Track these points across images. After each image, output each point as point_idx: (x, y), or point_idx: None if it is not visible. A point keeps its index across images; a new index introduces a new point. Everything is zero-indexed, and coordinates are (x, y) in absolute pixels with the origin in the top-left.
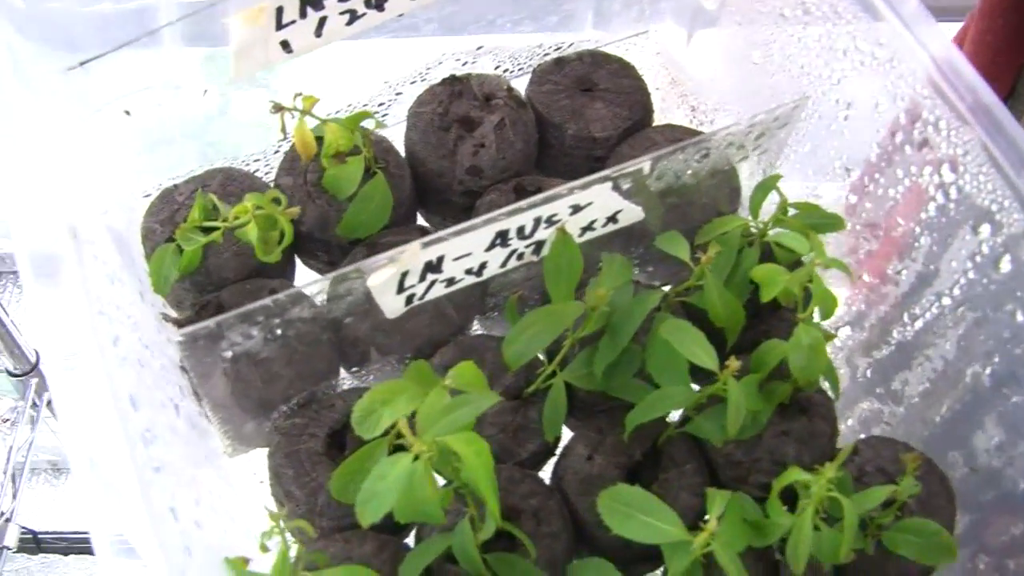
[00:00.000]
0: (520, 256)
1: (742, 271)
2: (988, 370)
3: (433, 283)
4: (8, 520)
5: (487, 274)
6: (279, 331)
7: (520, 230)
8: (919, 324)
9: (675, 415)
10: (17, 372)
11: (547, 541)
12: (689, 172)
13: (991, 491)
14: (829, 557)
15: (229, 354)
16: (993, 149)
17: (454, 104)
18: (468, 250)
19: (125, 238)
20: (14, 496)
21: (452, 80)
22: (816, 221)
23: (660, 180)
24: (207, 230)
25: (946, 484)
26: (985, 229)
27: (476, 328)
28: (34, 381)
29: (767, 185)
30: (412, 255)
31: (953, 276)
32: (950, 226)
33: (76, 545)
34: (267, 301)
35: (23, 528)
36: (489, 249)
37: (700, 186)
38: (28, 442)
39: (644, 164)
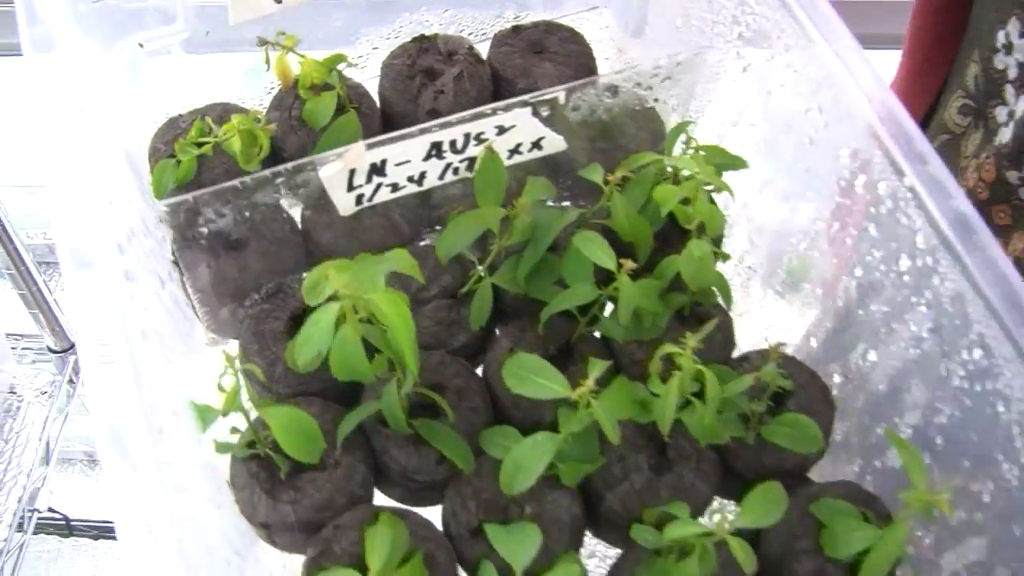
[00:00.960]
0: (456, 171)
1: (655, 203)
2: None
3: (379, 186)
4: (39, 488)
5: (427, 184)
6: (247, 213)
7: (452, 144)
8: None
9: None
10: (57, 349)
11: (467, 414)
12: (603, 109)
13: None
14: (702, 435)
15: (205, 231)
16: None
17: (421, 58)
18: (407, 157)
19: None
20: (47, 462)
21: (421, 39)
22: (721, 160)
23: (576, 112)
24: (201, 145)
25: (827, 393)
26: None
27: (425, 241)
28: (72, 358)
29: (679, 128)
30: (357, 153)
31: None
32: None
33: (106, 533)
34: (235, 182)
35: (57, 513)
36: (426, 159)
37: (621, 128)
38: (64, 414)
39: (559, 93)
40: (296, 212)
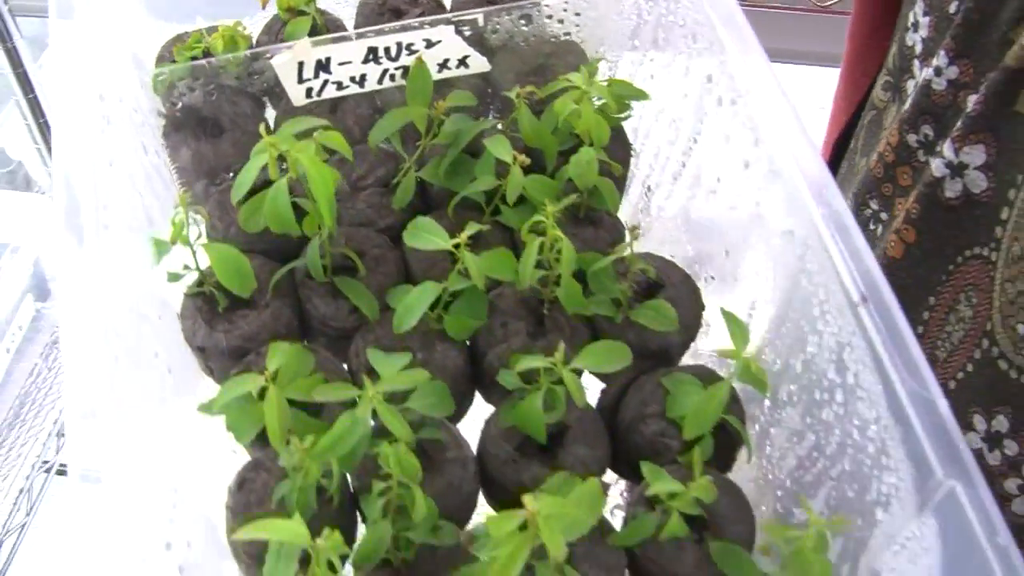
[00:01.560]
0: (392, 77)
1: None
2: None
3: (326, 83)
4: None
5: (368, 87)
6: (214, 95)
7: (387, 51)
8: None
9: None
10: None
11: (380, 277)
12: (521, 36)
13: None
14: (568, 303)
15: (179, 104)
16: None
17: (390, 1)
18: (348, 58)
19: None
20: None
21: None
22: (624, 91)
23: (495, 35)
24: (196, 50)
25: (696, 291)
26: None
27: None
28: None
29: (594, 60)
30: (303, 47)
31: None
32: None
33: None
34: (203, 61)
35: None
36: (365, 62)
37: (544, 57)
38: None
39: (478, 15)
40: (271, 114)
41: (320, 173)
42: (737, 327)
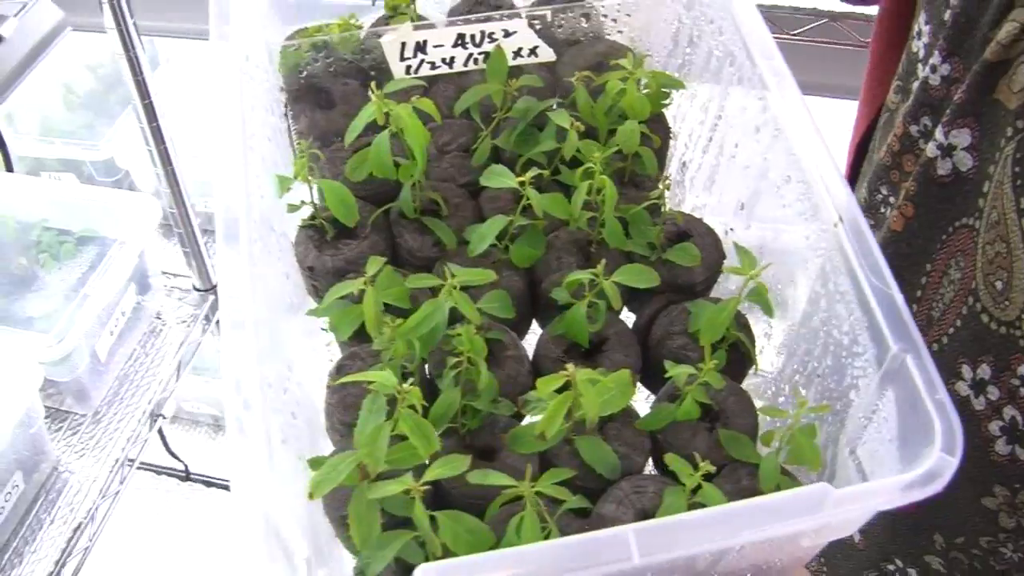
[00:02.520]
0: (476, 61)
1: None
2: None
3: (422, 62)
4: (167, 397)
5: (456, 68)
6: (332, 66)
7: (472, 38)
8: None
9: None
10: (200, 288)
11: (459, 219)
12: (581, 32)
13: None
14: (611, 239)
15: (304, 73)
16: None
17: (475, 8)
18: (441, 41)
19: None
20: (177, 377)
21: None
22: (663, 79)
23: (560, 29)
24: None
25: (717, 240)
26: None
27: None
28: (211, 298)
29: (641, 54)
30: (407, 28)
31: None
32: None
33: (219, 482)
34: (323, 37)
35: (179, 460)
36: (454, 46)
37: (600, 56)
38: (196, 343)
39: (547, 11)
40: None
41: (415, 124)
42: (746, 256)
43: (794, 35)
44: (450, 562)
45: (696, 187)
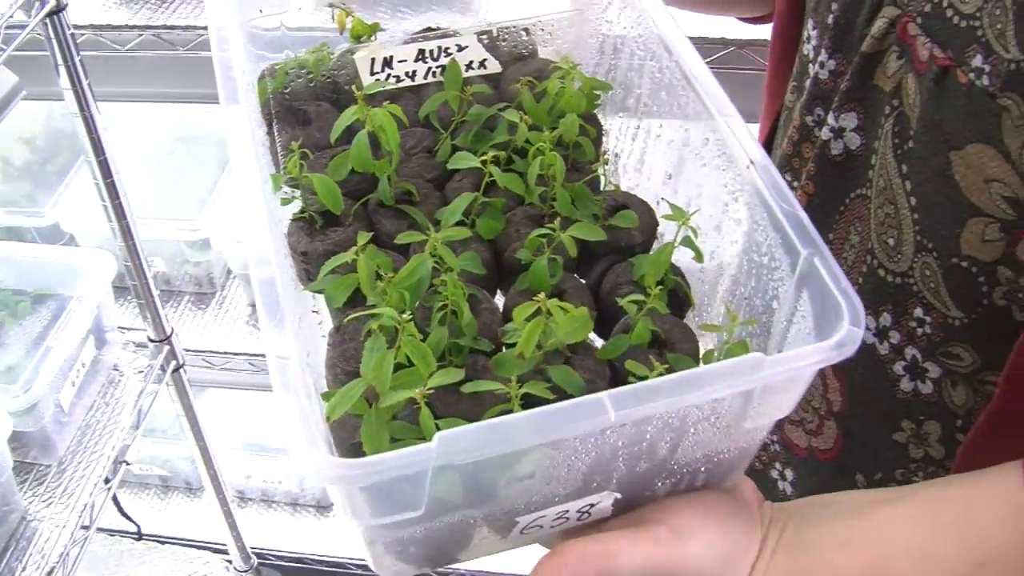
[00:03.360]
0: (435, 73)
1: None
2: None
3: (389, 75)
4: (129, 444)
5: (417, 80)
6: (312, 84)
7: (431, 52)
8: None
9: None
10: (155, 339)
11: (429, 207)
12: (522, 45)
13: None
14: (562, 209)
15: (288, 91)
16: None
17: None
18: (405, 57)
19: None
20: (136, 426)
21: (427, 29)
22: (594, 83)
23: (504, 43)
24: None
25: (651, 211)
26: None
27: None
28: (166, 348)
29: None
30: (377, 46)
31: None
32: None
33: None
34: (302, 55)
35: (132, 521)
36: (416, 61)
37: (539, 68)
38: (154, 392)
39: (492, 28)
40: None
41: (390, 123)
42: (677, 210)
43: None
44: (466, 427)
45: (628, 172)
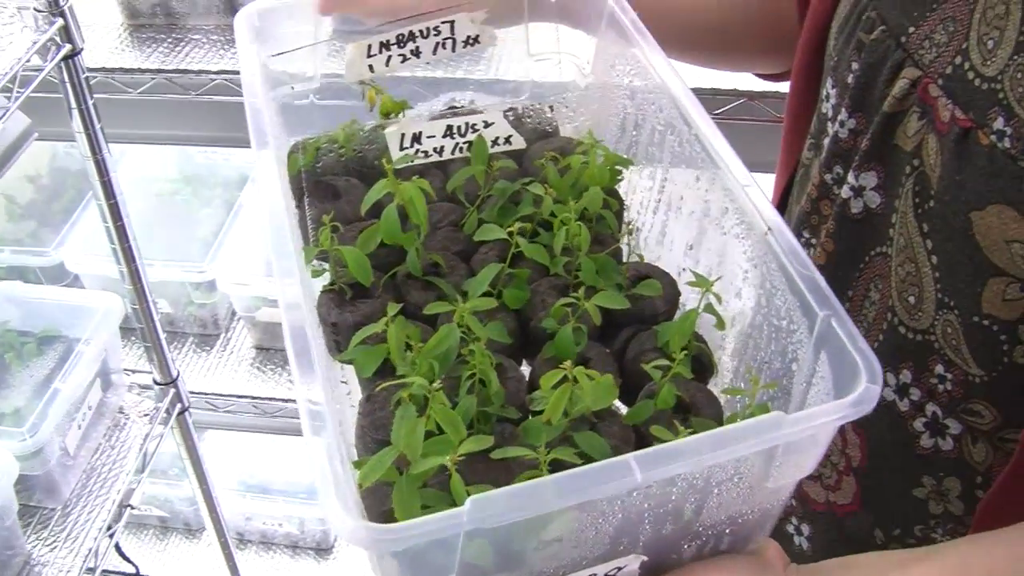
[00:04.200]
0: (462, 149)
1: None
2: None
3: (417, 151)
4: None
5: (445, 156)
6: (343, 158)
7: (459, 128)
8: None
9: None
10: (160, 382)
11: (456, 278)
12: (546, 121)
13: None
14: (588, 278)
15: (319, 165)
16: None
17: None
18: (433, 133)
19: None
20: (142, 469)
21: (452, 105)
22: (615, 159)
23: (530, 119)
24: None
25: (672, 281)
26: None
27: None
28: (172, 391)
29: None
30: (407, 122)
31: None
32: None
33: None
34: (336, 131)
35: (131, 563)
36: (444, 136)
37: (563, 145)
38: (160, 435)
39: (519, 104)
40: None
41: (418, 195)
42: (700, 278)
43: (716, 115)
44: (497, 491)
45: (650, 244)
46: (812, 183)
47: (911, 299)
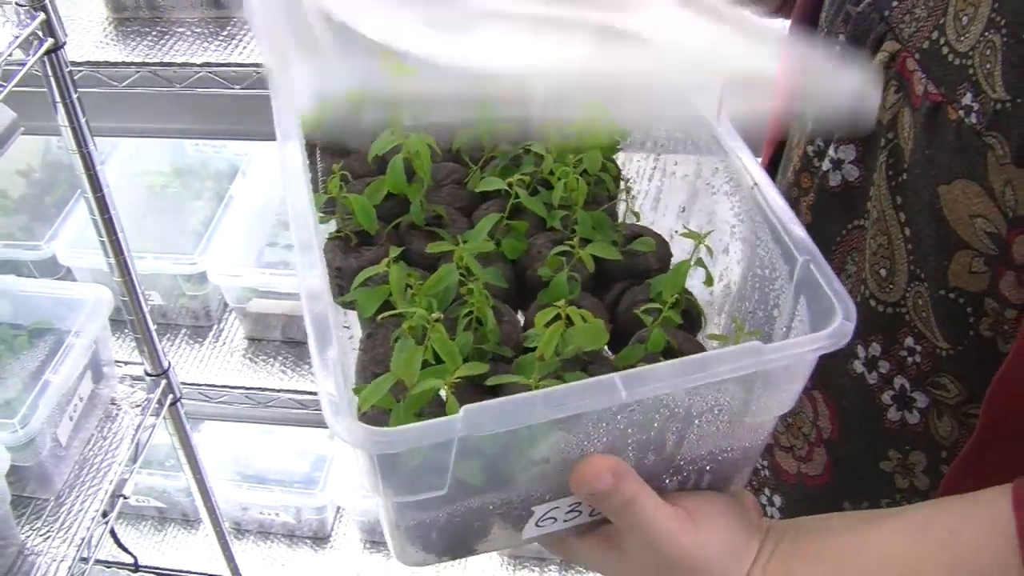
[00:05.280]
0: None
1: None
2: None
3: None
4: (126, 479)
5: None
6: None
7: None
8: None
9: None
10: (152, 373)
11: (457, 229)
12: None
13: None
14: (582, 231)
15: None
16: None
17: None
18: None
19: None
20: (134, 460)
21: None
22: (612, 127)
23: None
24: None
25: (664, 242)
26: None
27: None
28: (163, 382)
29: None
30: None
31: None
32: None
33: (169, 572)
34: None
35: (129, 553)
36: None
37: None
38: (152, 426)
39: None
40: None
41: (424, 149)
42: (692, 233)
43: None
44: (490, 401)
45: (644, 212)
46: (797, 155)
47: (882, 272)
